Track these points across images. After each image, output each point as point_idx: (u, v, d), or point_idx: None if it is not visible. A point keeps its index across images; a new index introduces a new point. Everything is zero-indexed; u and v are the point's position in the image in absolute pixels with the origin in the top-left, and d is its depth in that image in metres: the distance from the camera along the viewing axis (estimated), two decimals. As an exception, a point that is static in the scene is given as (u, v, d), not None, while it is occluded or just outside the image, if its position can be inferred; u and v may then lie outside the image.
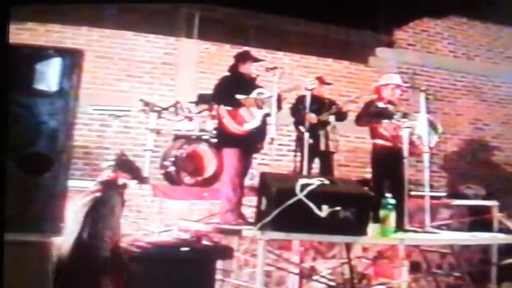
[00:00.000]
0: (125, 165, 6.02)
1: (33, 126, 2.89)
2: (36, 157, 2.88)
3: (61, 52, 3.08)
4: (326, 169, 6.27)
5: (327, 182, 4.23)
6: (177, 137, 6.23)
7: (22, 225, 2.85)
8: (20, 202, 2.84)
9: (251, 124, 5.19)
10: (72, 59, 3.09)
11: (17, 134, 2.84)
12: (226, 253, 4.37)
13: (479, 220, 6.56)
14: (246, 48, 5.85)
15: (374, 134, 5.89)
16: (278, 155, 6.12)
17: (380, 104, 5.83)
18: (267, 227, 4.05)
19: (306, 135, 5.79)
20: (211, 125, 6.06)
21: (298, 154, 6.15)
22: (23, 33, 6.67)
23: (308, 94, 5.90)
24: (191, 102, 6.38)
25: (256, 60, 5.40)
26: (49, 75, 2.99)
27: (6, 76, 2.78)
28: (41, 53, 3.01)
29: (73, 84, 3.08)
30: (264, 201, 4.27)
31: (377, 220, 4.42)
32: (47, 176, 2.94)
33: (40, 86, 2.96)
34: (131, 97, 7.10)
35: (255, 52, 5.69)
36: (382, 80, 6.12)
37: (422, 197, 5.58)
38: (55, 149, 2.98)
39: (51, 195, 2.96)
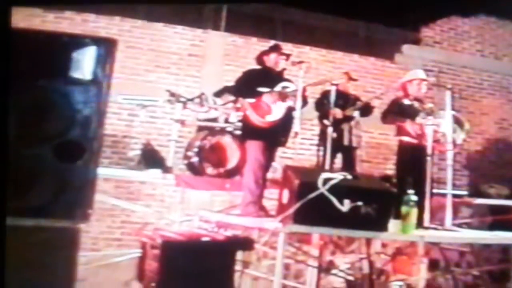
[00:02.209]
0: (149, 154, 6.14)
1: (68, 114, 2.95)
2: (70, 145, 2.95)
3: (95, 41, 3.13)
4: (349, 164, 6.31)
5: (349, 177, 4.26)
6: (201, 128, 6.31)
7: (54, 211, 2.92)
8: (53, 189, 2.91)
9: (273, 116, 5.24)
10: (106, 48, 3.14)
11: (52, 122, 2.91)
12: (246, 244, 4.43)
13: (500, 219, 6.54)
14: (273, 42, 5.90)
15: (400, 131, 5.91)
16: (300, 149, 6.15)
17: (406, 101, 5.83)
18: (288, 220, 4.10)
19: (330, 129, 5.84)
20: (235, 117, 6.12)
21: (321, 148, 6.21)
22: (61, 22, 6.82)
23: (333, 89, 5.94)
24: (216, 94, 6.45)
25: (284, 54, 5.44)
26: (84, 64, 3.04)
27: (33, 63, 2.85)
28: (77, 42, 3.06)
29: (106, 73, 3.14)
30: (286, 194, 4.31)
31: (398, 216, 4.44)
32: (79, 163, 3.00)
33: (76, 74, 3.02)
34: (158, 88, 7.20)
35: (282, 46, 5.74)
36: (407, 76, 6.12)
37: (443, 195, 5.57)
38: (88, 137, 3.04)
39: (82, 183, 3.01)
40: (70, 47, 3.02)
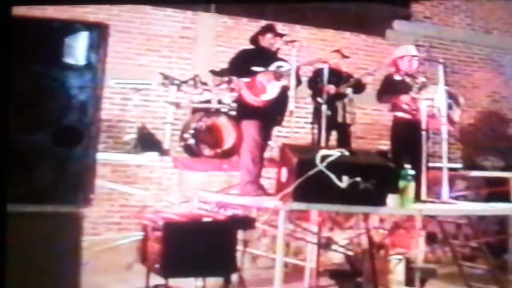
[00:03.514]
0: (145, 138, 6.14)
1: (64, 100, 2.95)
2: (67, 130, 2.94)
3: (88, 26, 3.11)
4: (343, 141, 6.35)
5: (347, 153, 4.29)
6: (195, 110, 6.31)
7: (56, 197, 2.93)
8: (53, 175, 2.91)
9: (268, 95, 5.25)
10: (99, 33, 3.13)
11: (49, 108, 2.91)
12: (248, 223, 4.46)
13: (496, 191, 6.60)
14: (263, 22, 5.89)
15: (394, 107, 5.93)
16: (295, 127, 6.18)
17: (398, 77, 5.85)
18: (288, 198, 4.13)
19: (324, 107, 5.86)
20: (229, 97, 6.13)
21: (316, 126, 6.24)
22: (47, 8, 6.74)
23: (326, 67, 5.95)
24: (210, 74, 6.44)
25: (279, 34, 5.44)
26: (77, 49, 3.03)
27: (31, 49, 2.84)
28: (69, 27, 3.05)
29: (100, 58, 3.13)
30: (284, 172, 4.34)
31: (396, 191, 4.47)
32: (78, 149, 3.00)
33: (69, 59, 3.01)
34: (150, 71, 7.17)
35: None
36: (397, 52, 6.12)
37: (439, 168, 5.62)
38: (85, 122, 3.03)
39: (82, 167, 3.02)
40: (62, 33, 3.01)
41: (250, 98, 5.24)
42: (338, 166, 4.14)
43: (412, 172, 4.56)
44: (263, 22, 5.96)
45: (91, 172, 3.11)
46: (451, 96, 5.69)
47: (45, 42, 2.95)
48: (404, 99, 5.73)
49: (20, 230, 2.80)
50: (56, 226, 2.92)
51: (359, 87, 6.41)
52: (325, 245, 5.95)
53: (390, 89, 5.84)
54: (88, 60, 3.05)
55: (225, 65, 6.30)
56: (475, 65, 9.11)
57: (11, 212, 2.75)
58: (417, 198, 5.08)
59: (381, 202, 4.32)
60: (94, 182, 3.11)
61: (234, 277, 4.39)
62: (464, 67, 8.96)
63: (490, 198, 6.61)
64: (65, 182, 2.98)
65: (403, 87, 5.75)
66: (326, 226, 6.29)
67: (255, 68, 5.22)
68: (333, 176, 4.11)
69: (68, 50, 3.01)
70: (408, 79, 5.81)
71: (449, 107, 5.54)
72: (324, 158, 4.12)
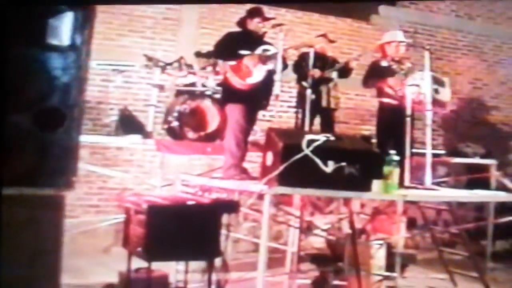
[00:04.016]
0: (127, 120, 6.07)
1: (47, 81, 2.88)
2: (50, 112, 2.88)
3: (75, 5, 3.03)
4: (327, 126, 6.33)
5: (332, 138, 4.28)
6: (179, 93, 6.24)
7: (37, 180, 2.87)
8: (35, 157, 2.85)
9: (254, 78, 5.20)
10: (84, 14, 3.06)
11: (31, 89, 2.84)
12: (232, 207, 4.44)
13: (476, 178, 6.67)
14: (248, 5, 5.81)
15: (380, 93, 5.92)
16: (279, 111, 6.15)
17: (384, 63, 5.85)
18: (273, 182, 4.11)
19: (309, 91, 5.84)
20: (213, 80, 6.07)
21: (300, 110, 6.22)
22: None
23: (311, 51, 5.92)
24: (195, 56, 6.37)
25: (267, 19, 5.38)
26: (62, 30, 2.96)
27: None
28: (53, 8, 2.97)
29: (85, 38, 3.06)
30: (269, 156, 4.31)
31: (380, 176, 4.48)
32: (60, 131, 2.94)
33: (53, 40, 2.93)
34: (132, 52, 7.07)
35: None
36: (385, 37, 6.11)
37: (421, 154, 5.64)
38: (68, 103, 2.97)
39: (64, 150, 2.95)
40: (45, 13, 2.93)
41: (236, 81, 5.19)
42: (323, 151, 4.13)
43: (396, 158, 4.57)
44: (248, 5, 5.88)
45: (74, 154, 3.05)
46: (435, 80, 5.69)
47: (28, 23, 2.87)
48: (390, 82, 5.72)
49: (2, 213, 2.74)
50: (38, 209, 2.87)
51: (344, 71, 6.39)
52: (306, 229, 5.95)
53: (377, 74, 5.84)
54: (73, 41, 2.98)
55: (209, 48, 6.25)
56: (459, 51, 9.15)
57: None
58: (401, 184, 5.11)
59: (366, 187, 4.32)
60: (76, 165, 3.05)
61: (217, 261, 4.37)
62: (448, 54, 8.99)
63: (470, 184, 6.67)
64: (47, 165, 2.93)
65: (390, 73, 5.75)
66: (307, 210, 6.29)
67: (241, 52, 5.15)
68: (318, 161, 4.10)
69: (51, 31, 2.94)
70: (394, 65, 5.81)
71: (436, 91, 5.54)
72: (310, 142, 4.10)
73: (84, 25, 3.01)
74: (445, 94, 5.69)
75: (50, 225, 2.89)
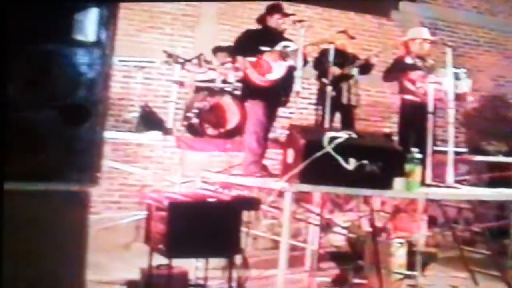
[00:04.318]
0: (148, 116, 6.08)
1: (73, 77, 2.89)
2: (75, 108, 2.89)
3: (98, 2, 3.05)
4: (347, 123, 6.29)
5: (354, 135, 4.25)
6: (199, 89, 6.25)
7: (62, 175, 2.89)
8: (61, 153, 2.87)
9: (274, 75, 5.18)
10: (109, 10, 3.07)
11: (58, 84, 2.85)
12: (252, 204, 4.43)
13: (498, 176, 6.59)
14: (268, 1, 5.79)
15: (402, 89, 5.87)
16: (298, 108, 6.14)
17: (409, 60, 5.79)
18: (294, 179, 4.10)
19: (329, 88, 5.80)
20: (233, 77, 6.06)
21: (320, 107, 6.19)
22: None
23: (331, 47, 5.88)
24: (214, 53, 6.37)
25: (287, 14, 5.36)
26: (87, 25, 2.97)
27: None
28: (79, 3, 2.98)
29: (109, 35, 3.07)
30: (290, 153, 4.30)
31: (402, 174, 4.44)
32: (86, 126, 2.95)
33: (79, 36, 2.95)
34: (152, 49, 7.09)
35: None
36: (410, 34, 6.04)
37: (443, 152, 5.58)
38: (93, 99, 2.99)
39: (89, 146, 2.97)
40: (72, 8, 2.94)
41: (256, 78, 5.17)
42: (345, 148, 4.11)
43: (419, 155, 4.52)
44: (267, 2, 5.86)
45: (98, 150, 3.07)
46: (455, 76, 5.62)
47: (55, 18, 2.88)
48: (412, 76, 5.66)
49: (27, 208, 2.77)
50: (63, 205, 2.89)
51: (366, 68, 6.34)
52: (326, 227, 5.93)
53: (400, 71, 5.78)
54: (98, 37, 2.99)
55: (227, 44, 6.24)
56: (480, 48, 9.06)
57: (17, 190, 2.71)
58: (422, 181, 5.06)
59: (387, 185, 4.29)
60: (101, 161, 3.07)
61: (238, 258, 4.37)
62: (469, 50, 8.90)
63: (492, 182, 6.59)
64: (72, 161, 2.94)
65: (414, 70, 5.69)
66: (327, 208, 6.26)
67: (261, 48, 5.14)
68: (340, 158, 4.07)
69: (77, 26, 2.95)
70: (419, 62, 5.75)
71: (455, 86, 5.47)
72: (331, 140, 4.08)
73: (108, 21, 3.03)
74: (464, 85, 5.61)
75: (76, 221, 2.91)
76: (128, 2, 5.84)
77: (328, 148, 4.04)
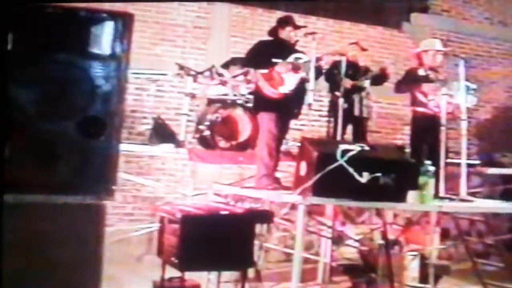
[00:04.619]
0: (161, 129, 6.10)
1: (89, 89, 2.91)
2: (92, 121, 2.91)
3: (113, 15, 3.08)
4: (359, 135, 6.27)
5: (367, 148, 4.24)
6: (211, 101, 6.26)
7: (78, 188, 2.90)
8: (77, 166, 2.88)
9: (286, 87, 5.19)
10: (124, 23, 3.09)
11: (75, 97, 2.88)
12: (265, 217, 4.42)
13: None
14: (278, 12, 5.82)
15: (414, 101, 5.86)
16: (309, 120, 6.14)
17: (421, 72, 5.78)
18: (307, 192, 4.09)
19: (341, 100, 5.80)
20: (245, 89, 6.07)
21: (331, 119, 6.18)
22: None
23: (343, 59, 5.88)
24: (224, 66, 6.39)
25: (297, 27, 5.37)
26: (103, 39, 3.00)
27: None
28: (95, 16, 3.01)
29: (125, 48, 3.09)
30: (303, 166, 4.29)
31: (416, 186, 4.42)
32: (102, 139, 2.97)
33: (95, 49, 2.97)
34: (164, 61, 7.12)
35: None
36: (422, 45, 6.02)
37: (457, 164, 5.56)
38: (109, 112, 3.00)
39: (105, 159, 2.99)
40: (87, 22, 2.97)
41: (268, 90, 5.18)
42: (358, 161, 4.10)
43: (432, 168, 4.51)
44: (278, 13, 5.89)
45: (114, 163, 3.08)
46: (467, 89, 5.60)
47: (71, 31, 2.91)
48: (424, 88, 5.64)
49: (43, 221, 2.78)
50: (79, 217, 2.90)
51: (379, 79, 6.33)
52: (338, 239, 5.91)
53: (413, 82, 5.77)
54: (113, 50, 3.02)
55: (239, 56, 6.26)
56: (493, 59, 9.02)
57: (33, 202, 2.73)
58: (435, 194, 5.04)
59: (401, 198, 4.28)
60: (116, 173, 3.08)
61: (250, 271, 4.36)
62: (481, 62, 8.87)
63: (505, 195, 6.54)
64: (88, 173, 2.95)
65: (427, 81, 5.68)
66: (339, 220, 6.24)
67: (273, 60, 5.15)
68: (353, 171, 4.06)
69: (93, 39, 2.98)
70: (431, 74, 5.74)
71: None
72: (344, 152, 4.07)
73: (123, 34, 3.05)
74: (470, 100, 5.59)
75: (91, 233, 2.91)
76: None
77: (341, 161, 4.04)
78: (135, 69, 6.15)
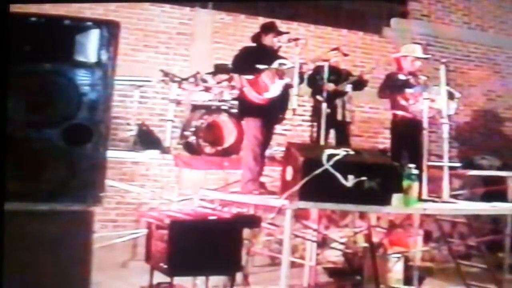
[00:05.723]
0: (145, 135, 6.10)
1: (75, 97, 2.93)
2: (78, 128, 2.92)
3: (99, 23, 3.10)
4: (342, 139, 6.34)
5: (352, 152, 4.29)
6: (195, 108, 6.27)
7: (66, 195, 2.91)
8: (64, 173, 2.89)
9: (271, 93, 5.23)
10: (109, 31, 3.12)
11: (60, 105, 2.89)
12: (253, 222, 4.44)
13: (493, 190, 6.64)
14: (260, 18, 5.85)
15: (394, 105, 5.92)
16: (293, 125, 6.19)
17: (401, 76, 5.85)
18: (294, 197, 4.13)
19: (324, 105, 5.85)
20: (229, 95, 6.10)
21: (314, 124, 6.23)
22: (44, 4, 6.64)
23: (325, 65, 5.94)
24: (210, 73, 6.41)
25: (280, 33, 5.42)
26: (88, 46, 3.02)
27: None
28: (80, 24, 3.03)
29: (110, 55, 3.12)
30: (290, 170, 4.33)
31: (400, 190, 4.48)
32: (88, 147, 2.99)
33: (80, 57, 2.99)
34: (147, 67, 7.11)
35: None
36: (403, 51, 6.09)
37: (438, 167, 5.63)
38: (95, 120, 3.02)
39: (93, 166, 3.00)
40: (73, 30, 2.99)
41: (253, 96, 5.21)
42: (343, 165, 4.15)
43: (416, 171, 4.57)
44: (261, 19, 5.92)
45: (101, 170, 3.09)
46: (448, 95, 5.68)
47: (56, 40, 2.92)
48: (407, 94, 5.71)
49: (31, 228, 2.78)
50: (67, 224, 2.91)
51: (359, 84, 6.40)
52: (322, 243, 5.95)
53: (395, 88, 5.83)
54: (99, 58, 3.04)
55: (222, 62, 6.28)
56: (471, 63, 9.15)
57: (21, 210, 2.74)
58: (419, 197, 5.10)
59: (386, 201, 4.33)
60: (104, 180, 3.09)
61: (238, 276, 4.37)
62: (461, 66, 8.98)
63: (486, 197, 6.63)
64: (75, 181, 2.97)
65: (406, 86, 5.75)
66: (322, 223, 6.28)
67: (258, 66, 5.18)
68: (339, 175, 4.11)
69: (79, 48, 2.99)
70: (411, 79, 5.81)
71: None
72: (330, 157, 4.12)
73: (109, 41, 3.07)
74: (451, 107, 5.67)
75: (80, 240, 2.92)
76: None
77: (327, 165, 4.08)
78: (118, 76, 6.14)
